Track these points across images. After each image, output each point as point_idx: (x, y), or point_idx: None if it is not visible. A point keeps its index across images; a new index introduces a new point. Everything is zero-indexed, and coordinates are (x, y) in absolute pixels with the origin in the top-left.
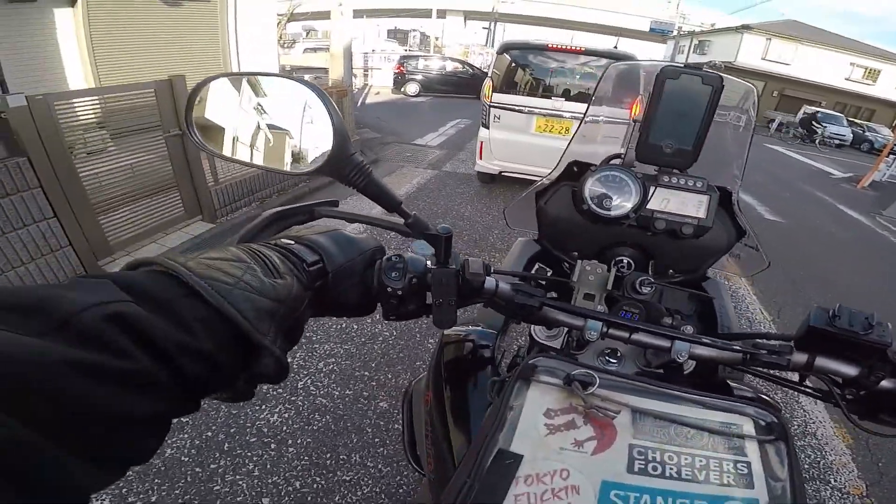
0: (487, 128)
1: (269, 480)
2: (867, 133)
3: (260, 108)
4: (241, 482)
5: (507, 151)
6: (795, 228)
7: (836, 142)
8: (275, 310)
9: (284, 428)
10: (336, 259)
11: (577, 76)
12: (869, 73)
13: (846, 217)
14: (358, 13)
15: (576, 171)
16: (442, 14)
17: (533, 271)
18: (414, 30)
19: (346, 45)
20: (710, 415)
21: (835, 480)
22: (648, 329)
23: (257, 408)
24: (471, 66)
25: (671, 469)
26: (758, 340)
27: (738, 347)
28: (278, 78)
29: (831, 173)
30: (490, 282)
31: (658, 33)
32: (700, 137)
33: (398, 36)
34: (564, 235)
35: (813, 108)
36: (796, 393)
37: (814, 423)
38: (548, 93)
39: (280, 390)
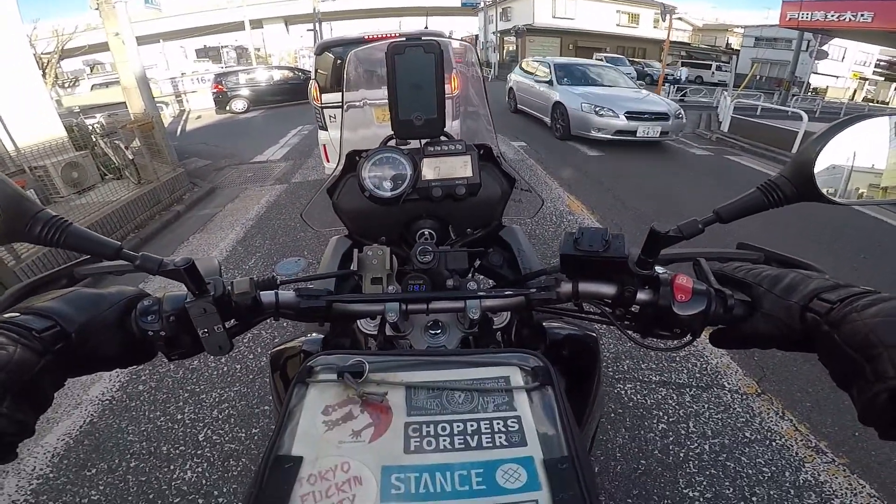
0: (325, 129)
1: None
2: (646, 69)
3: None
4: None
5: (355, 147)
6: (613, 156)
7: None
8: None
9: (203, 481)
10: (75, 318)
11: None
12: (632, 17)
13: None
14: (152, 38)
15: (357, 160)
16: (258, 24)
17: (352, 266)
18: (225, 45)
19: (138, 74)
20: (480, 373)
21: (728, 384)
22: (438, 296)
23: (166, 469)
24: (302, 70)
25: (445, 441)
26: (531, 281)
27: (511, 292)
28: None
29: None
30: (268, 296)
31: (469, 6)
32: (440, 103)
33: (210, 54)
34: (365, 224)
35: (601, 54)
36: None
37: None
38: (380, 82)
39: (182, 447)
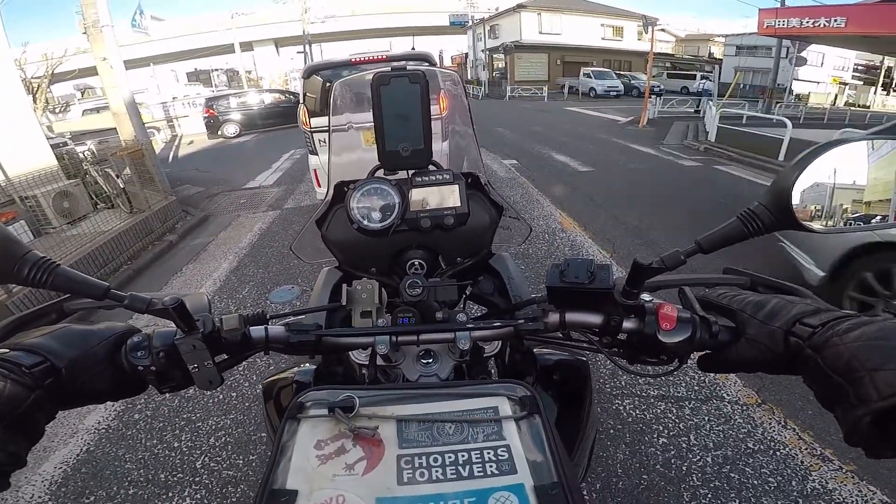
0: (316, 154)
1: None
2: (633, 81)
3: None
4: None
5: (343, 172)
6: (604, 171)
7: (613, 93)
8: None
9: None
10: (65, 354)
11: None
12: (616, 30)
13: (639, 152)
14: (142, 61)
15: (345, 191)
16: (248, 46)
17: (342, 298)
18: (215, 69)
19: (127, 99)
20: (469, 404)
21: (727, 395)
22: (427, 329)
23: (164, 497)
24: (292, 93)
25: (437, 471)
26: (519, 312)
27: (500, 323)
28: None
29: (618, 120)
30: (258, 331)
31: (458, 25)
32: (427, 133)
33: (201, 77)
34: (355, 256)
35: (588, 69)
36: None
37: None
38: (368, 104)
39: (180, 474)
